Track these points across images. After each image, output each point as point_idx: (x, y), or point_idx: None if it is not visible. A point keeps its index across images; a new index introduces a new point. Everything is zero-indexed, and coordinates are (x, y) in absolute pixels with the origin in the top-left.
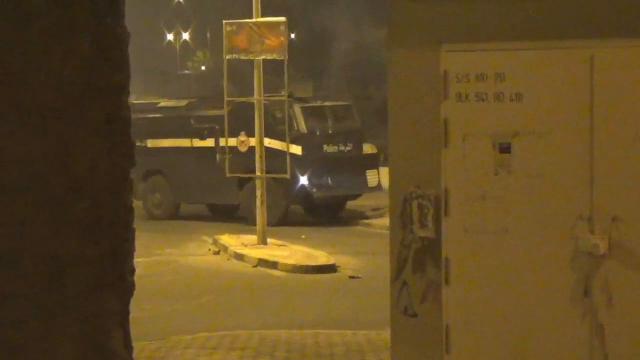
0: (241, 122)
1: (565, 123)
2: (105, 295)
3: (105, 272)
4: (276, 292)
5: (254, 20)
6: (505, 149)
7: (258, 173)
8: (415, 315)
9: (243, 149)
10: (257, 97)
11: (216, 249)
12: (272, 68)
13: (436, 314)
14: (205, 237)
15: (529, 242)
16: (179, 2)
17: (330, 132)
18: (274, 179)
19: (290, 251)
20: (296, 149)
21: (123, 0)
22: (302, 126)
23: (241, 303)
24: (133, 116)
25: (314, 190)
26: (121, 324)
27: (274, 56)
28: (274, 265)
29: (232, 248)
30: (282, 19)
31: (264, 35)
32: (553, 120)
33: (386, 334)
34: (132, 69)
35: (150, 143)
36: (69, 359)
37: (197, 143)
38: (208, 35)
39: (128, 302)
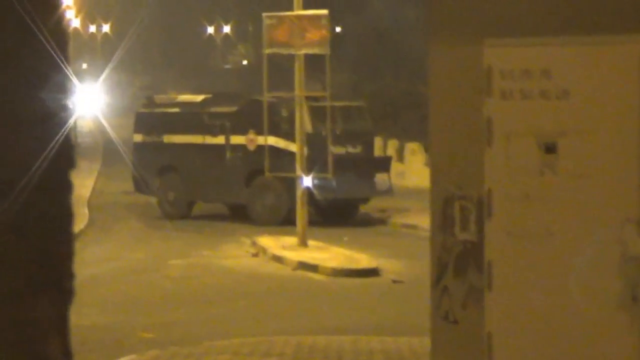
0: (250, 120)
1: (614, 121)
2: (39, 301)
3: (39, 277)
4: (316, 296)
5: (294, 13)
6: (551, 148)
7: (298, 172)
8: (456, 321)
9: (251, 147)
10: (298, 93)
11: (255, 251)
12: (313, 62)
13: (478, 320)
14: (243, 239)
15: (575, 245)
16: None
17: (338, 133)
18: (277, 178)
19: (332, 254)
20: None
21: None
22: (308, 126)
23: (279, 308)
24: (157, 111)
25: (316, 192)
26: (59, 331)
27: (316, 51)
28: (314, 268)
29: (271, 250)
30: (324, 11)
31: (305, 29)
32: (601, 118)
33: (429, 340)
34: (170, 64)
35: (166, 139)
36: None
37: (209, 140)
38: (250, 29)
39: (66, 308)
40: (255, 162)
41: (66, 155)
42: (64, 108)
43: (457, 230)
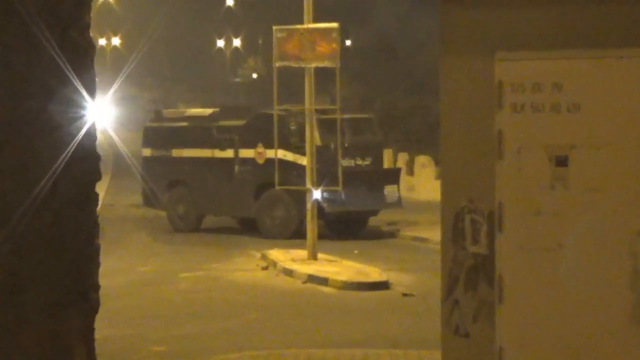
0: (259, 134)
1: (625, 135)
2: (67, 312)
3: (68, 289)
4: (326, 309)
5: (305, 26)
6: (562, 162)
7: (308, 185)
8: (467, 335)
9: (260, 160)
10: (308, 106)
11: (264, 264)
12: (323, 75)
13: (489, 334)
14: (253, 252)
15: (586, 259)
16: (229, 7)
17: (346, 145)
18: (286, 192)
19: (342, 267)
20: None
21: (88, 10)
22: (317, 139)
23: (289, 321)
24: (166, 125)
25: (325, 204)
26: (85, 342)
27: (326, 64)
28: (324, 281)
29: (281, 263)
30: (335, 25)
31: (315, 42)
32: (612, 131)
33: (439, 354)
34: (180, 77)
35: (175, 153)
36: None
37: (218, 154)
38: (260, 42)
39: (92, 319)
40: (264, 175)
41: (93, 167)
42: (86, 119)
43: (468, 244)
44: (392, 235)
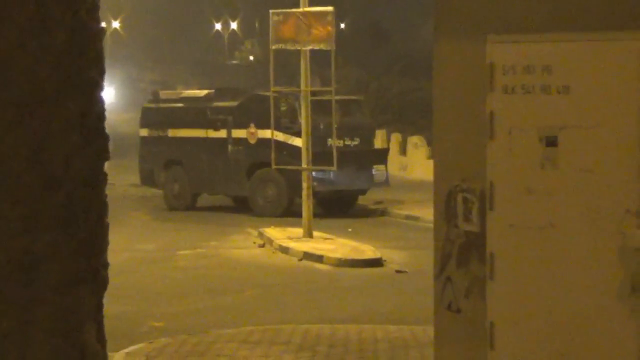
0: (251, 114)
1: (614, 116)
2: (79, 290)
3: (79, 267)
4: (321, 286)
5: (301, 9)
6: (552, 142)
7: (304, 165)
8: (459, 311)
9: (252, 140)
10: (304, 88)
11: (261, 242)
12: (319, 58)
13: (480, 310)
14: (250, 230)
15: (576, 237)
16: None
17: (335, 126)
18: (278, 171)
19: (337, 245)
20: (299, 142)
21: None
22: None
23: (285, 297)
24: (162, 106)
25: (315, 184)
26: (95, 318)
27: (321, 46)
28: (319, 258)
29: (277, 241)
30: (330, 8)
31: (311, 25)
32: (601, 113)
33: (432, 329)
34: (179, 59)
35: (171, 133)
36: (43, 354)
37: (212, 134)
38: (257, 25)
39: (102, 296)
40: (256, 155)
41: (103, 148)
42: (101, 102)
43: (460, 222)
44: (384, 213)
